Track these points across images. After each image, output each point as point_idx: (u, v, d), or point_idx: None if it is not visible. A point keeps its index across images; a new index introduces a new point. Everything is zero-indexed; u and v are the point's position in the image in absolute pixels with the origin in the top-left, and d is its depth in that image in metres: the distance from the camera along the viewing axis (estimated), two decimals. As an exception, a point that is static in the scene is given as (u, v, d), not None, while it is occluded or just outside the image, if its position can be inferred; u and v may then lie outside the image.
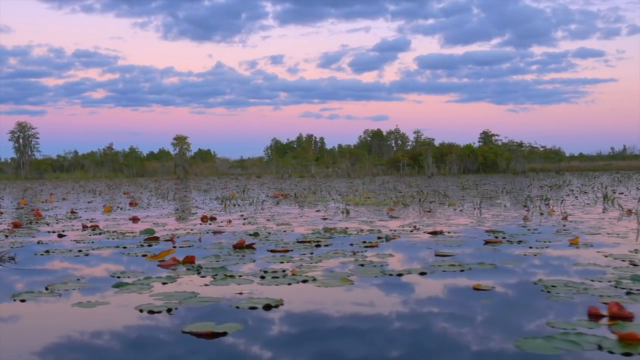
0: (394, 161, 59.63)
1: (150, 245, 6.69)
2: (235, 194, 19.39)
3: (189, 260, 5.36)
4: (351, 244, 6.49)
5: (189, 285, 4.34)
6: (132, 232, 8.10)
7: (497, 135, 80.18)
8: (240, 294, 4.04)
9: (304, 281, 4.43)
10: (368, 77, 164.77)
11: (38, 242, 7.14)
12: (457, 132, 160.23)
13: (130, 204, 14.94)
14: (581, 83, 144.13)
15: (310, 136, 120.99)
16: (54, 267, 5.37)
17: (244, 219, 10.03)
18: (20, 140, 75.92)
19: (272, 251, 6.07)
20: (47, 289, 4.29)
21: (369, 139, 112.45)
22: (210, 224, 9.29)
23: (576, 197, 14.88)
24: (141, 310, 3.60)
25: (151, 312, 3.57)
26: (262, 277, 4.60)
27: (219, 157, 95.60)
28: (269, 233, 7.72)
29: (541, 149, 57.53)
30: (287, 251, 6.05)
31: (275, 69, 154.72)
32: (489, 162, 57.32)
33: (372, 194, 18.06)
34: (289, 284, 4.35)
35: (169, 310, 3.59)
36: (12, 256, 5.87)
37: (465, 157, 56.15)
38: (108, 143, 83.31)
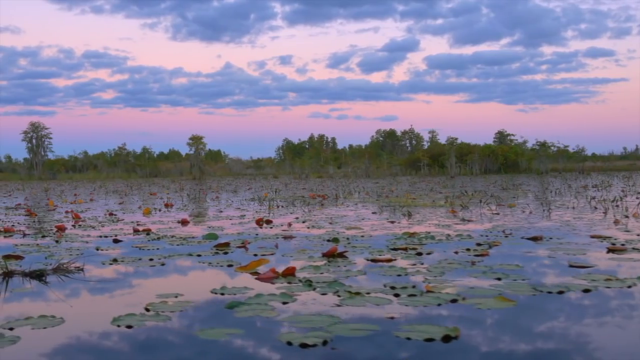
0: (412, 161, 58.73)
1: (225, 253, 5.96)
2: (267, 195, 18.68)
3: (289, 272, 4.62)
4: (456, 252, 5.73)
5: (317, 306, 3.59)
6: (193, 237, 7.38)
7: (512, 135, 79.32)
8: (392, 318, 3.29)
9: (454, 300, 3.67)
10: (377, 78, 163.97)
11: (97, 249, 6.42)
12: (467, 132, 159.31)
13: (166, 206, 14.24)
14: (592, 83, 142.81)
15: (322, 136, 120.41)
16: (135, 280, 4.64)
17: (303, 222, 9.29)
18: (34, 141, 75.67)
19: (372, 260, 5.33)
20: (147, 309, 3.56)
21: (381, 138, 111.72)
22: (271, 227, 8.56)
23: (638, 197, 14.05)
24: (290, 343, 2.85)
25: (304, 345, 2.83)
26: (396, 295, 3.85)
27: (231, 157, 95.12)
28: (347, 238, 6.97)
29: (554, 149, 56.49)
30: (389, 260, 5.30)
31: (284, 70, 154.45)
32: (509, 162, 56.36)
33: (415, 195, 17.29)
34: (439, 304, 3.60)
35: (324, 343, 2.84)
36: (79, 266, 5.15)
37: (485, 157, 55.19)
38: (118, 144, 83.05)
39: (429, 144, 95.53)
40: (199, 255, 5.80)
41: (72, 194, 24.04)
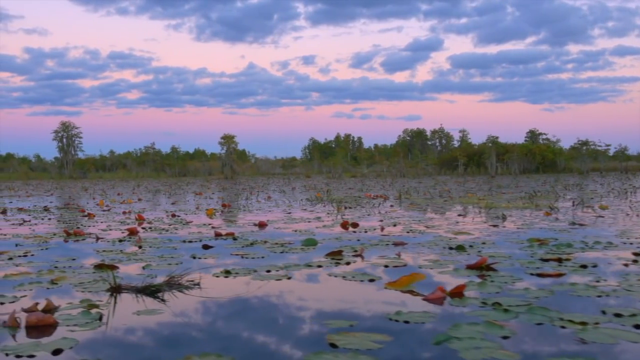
0: (447, 160, 57.47)
1: (348, 264, 5.15)
2: (320, 195, 17.89)
3: (458, 292, 3.80)
4: (625, 264, 4.85)
5: (551, 343, 2.75)
6: (289, 243, 6.59)
7: (545, 134, 77.71)
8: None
9: None
10: (400, 77, 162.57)
11: (193, 257, 5.65)
12: (493, 132, 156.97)
13: (224, 206, 13.51)
14: (619, 81, 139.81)
15: (348, 136, 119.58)
16: (270, 299, 3.84)
17: (394, 225, 8.45)
18: (64, 140, 75.88)
19: (538, 275, 4.47)
20: (334, 345, 2.75)
21: (408, 138, 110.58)
22: (365, 231, 7.73)
23: None
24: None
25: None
26: (638, 326, 2.99)
27: (259, 157, 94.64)
28: (470, 246, 6.11)
29: (584, 149, 54.82)
30: (559, 275, 4.44)
31: (307, 70, 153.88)
32: (547, 161, 54.90)
33: (481, 196, 16.37)
34: None
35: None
36: (193, 280, 4.37)
37: (522, 156, 53.77)
38: (143, 143, 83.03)
39: (458, 143, 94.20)
40: (319, 267, 4.99)
41: (115, 193, 23.47)
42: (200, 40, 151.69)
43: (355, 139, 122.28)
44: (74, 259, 5.61)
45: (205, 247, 6.39)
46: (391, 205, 12.98)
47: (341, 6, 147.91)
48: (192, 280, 4.35)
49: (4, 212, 12.59)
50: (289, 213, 11.35)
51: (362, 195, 17.92)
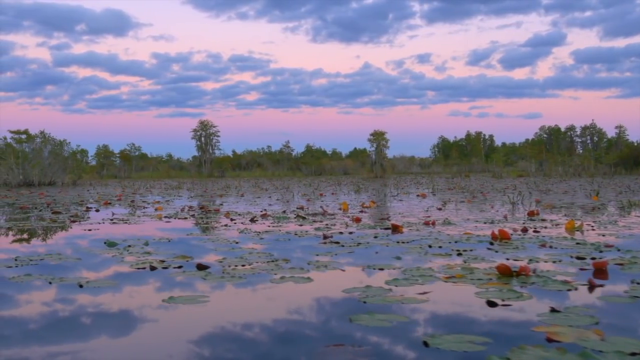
0: (627, 157, 51.01)
1: None
2: (597, 198, 13.97)
3: None
4: None
5: None
6: None
7: None
8: None
9: None
10: (519, 74, 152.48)
11: None
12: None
13: (531, 214, 9.97)
14: None
15: (479, 134, 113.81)
16: None
17: None
18: (202, 139, 76.01)
19: None
20: None
21: (545, 135, 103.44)
22: None
23: None
24: None
25: None
26: None
27: (390, 156, 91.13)
28: None
29: None
30: None
31: (422, 68, 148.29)
32: None
33: None
34: None
35: None
36: None
37: None
38: (265, 143, 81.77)
39: (615, 140, 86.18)
40: None
41: (295, 193, 20.62)
42: (316, 41, 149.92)
43: (487, 137, 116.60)
44: None
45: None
46: None
47: (457, 3, 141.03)
48: None
49: (254, 220, 9.70)
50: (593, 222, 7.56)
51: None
